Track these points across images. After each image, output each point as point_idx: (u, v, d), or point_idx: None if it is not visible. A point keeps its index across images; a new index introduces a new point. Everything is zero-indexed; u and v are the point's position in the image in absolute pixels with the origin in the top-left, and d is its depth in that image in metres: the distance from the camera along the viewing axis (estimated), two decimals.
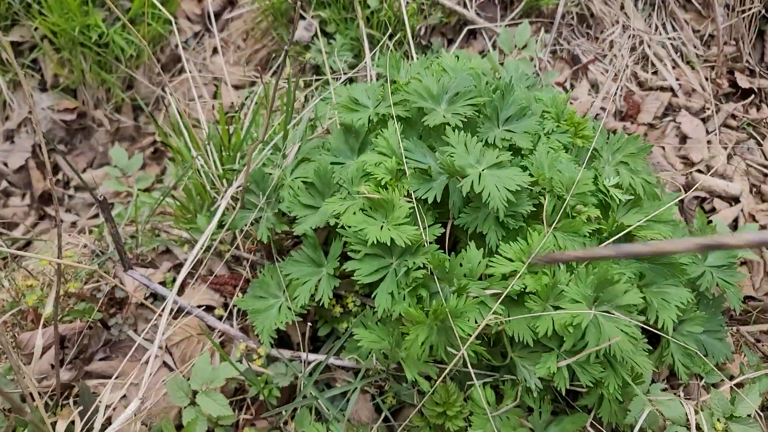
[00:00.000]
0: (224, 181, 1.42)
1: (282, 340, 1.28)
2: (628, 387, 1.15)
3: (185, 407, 1.11)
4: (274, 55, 2.35)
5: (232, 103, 2.37)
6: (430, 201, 1.13)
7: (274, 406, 1.18)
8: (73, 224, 2.13)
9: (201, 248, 1.20)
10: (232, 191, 1.24)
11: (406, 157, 1.17)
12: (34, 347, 1.22)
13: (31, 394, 1.13)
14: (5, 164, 2.16)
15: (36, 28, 2.15)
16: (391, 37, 2.03)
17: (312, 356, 1.23)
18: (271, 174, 1.27)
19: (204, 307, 1.30)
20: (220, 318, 1.26)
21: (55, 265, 1.34)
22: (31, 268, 1.44)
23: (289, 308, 1.21)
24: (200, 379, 1.13)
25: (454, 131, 1.16)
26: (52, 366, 1.20)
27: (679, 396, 1.28)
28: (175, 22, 2.51)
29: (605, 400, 1.16)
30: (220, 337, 1.26)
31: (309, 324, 1.25)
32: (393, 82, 1.39)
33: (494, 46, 2.11)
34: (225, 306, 1.31)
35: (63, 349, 1.22)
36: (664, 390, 1.25)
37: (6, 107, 2.20)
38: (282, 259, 1.30)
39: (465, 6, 2.10)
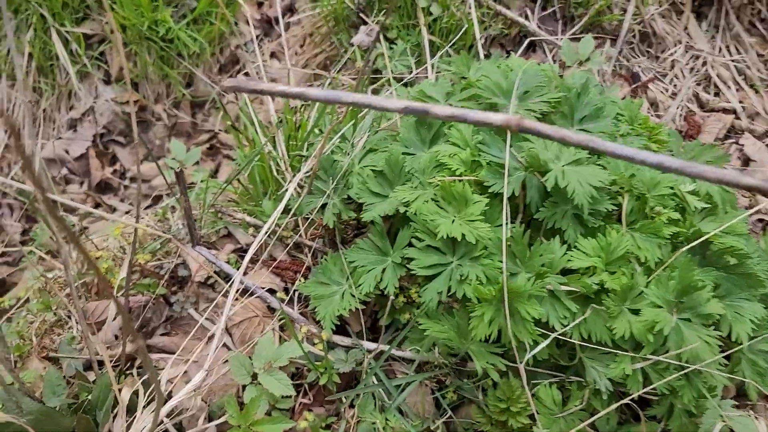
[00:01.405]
0: (290, 168, 1.42)
1: (341, 328, 1.27)
2: (701, 399, 1.11)
3: (247, 385, 1.10)
4: (332, 60, 2.38)
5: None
6: (507, 196, 1.11)
7: (333, 392, 1.17)
8: (128, 213, 2.16)
9: (268, 230, 1.20)
10: (300, 176, 1.25)
11: (480, 151, 1.17)
12: (98, 317, 1.23)
13: (99, 361, 1.14)
14: (66, 151, 2.21)
15: (106, 22, 2.21)
16: (452, 44, 2.04)
17: (372, 345, 1.21)
18: (339, 162, 1.27)
19: (265, 289, 1.29)
20: (281, 301, 1.25)
21: (125, 237, 1.36)
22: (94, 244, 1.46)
23: (353, 295, 1.20)
24: (263, 359, 1.13)
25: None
26: (116, 336, 1.21)
27: (750, 415, 1.23)
28: (236, 25, 2.57)
29: (676, 411, 1.12)
30: (280, 320, 1.25)
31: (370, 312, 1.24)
32: (463, 78, 1.40)
33: (554, 60, 2.11)
34: (286, 291, 1.31)
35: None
36: (735, 407, 1.20)
37: (72, 97, 2.26)
38: (344, 247, 1.30)
39: (527, 18, 2.10)
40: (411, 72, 1.98)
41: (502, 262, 1.05)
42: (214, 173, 2.25)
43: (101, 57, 2.28)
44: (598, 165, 1.16)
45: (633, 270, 1.09)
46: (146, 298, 1.25)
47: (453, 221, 1.09)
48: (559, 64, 2.08)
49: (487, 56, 2.15)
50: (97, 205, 2.19)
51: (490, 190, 1.13)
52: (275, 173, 1.39)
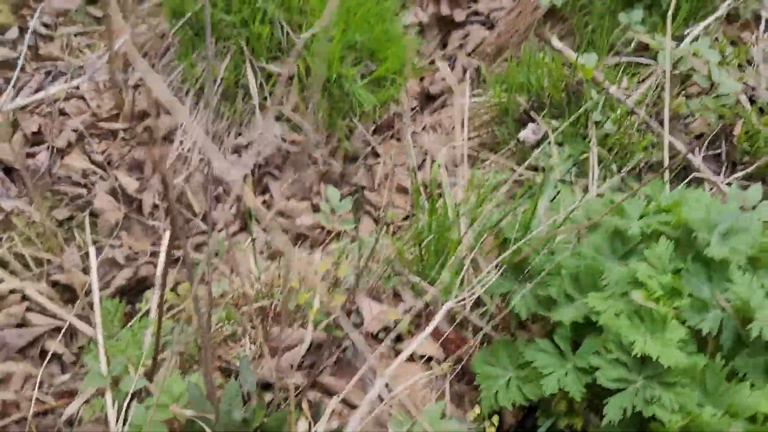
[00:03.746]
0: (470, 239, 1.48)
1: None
2: None
3: None
4: (485, 146, 2.48)
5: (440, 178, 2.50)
6: (704, 332, 1.13)
7: None
8: (267, 244, 2.27)
9: (448, 308, 1.25)
10: (494, 265, 1.30)
11: (682, 280, 1.19)
12: (280, 342, 1.29)
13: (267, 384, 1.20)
14: (227, 173, 2.37)
15: (296, 65, 2.40)
16: (617, 161, 2.10)
17: None
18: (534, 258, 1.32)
19: (426, 356, 1.33)
20: (444, 375, 1.29)
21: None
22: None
23: (519, 388, 1.22)
24: (427, 424, 1.15)
25: (739, 269, 1.18)
26: (291, 366, 1.27)
27: None
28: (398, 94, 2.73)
29: None
30: (439, 390, 1.28)
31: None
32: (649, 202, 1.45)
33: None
34: (446, 361, 1.35)
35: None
36: None
37: (244, 125, 2.43)
38: (512, 335, 1.33)
39: (692, 152, 2.14)
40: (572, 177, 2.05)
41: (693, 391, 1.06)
42: (356, 225, 2.34)
43: (281, 95, 2.46)
44: None
45: None
46: (321, 337, 1.31)
47: (647, 341, 1.11)
48: None
49: (668, 170, 2.20)
50: (241, 229, 2.32)
51: (687, 324, 1.15)
52: (456, 249, 1.46)
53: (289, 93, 2.45)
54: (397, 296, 1.48)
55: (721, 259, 1.21)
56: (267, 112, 2.44)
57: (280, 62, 2.44)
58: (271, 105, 2.43)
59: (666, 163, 1.77)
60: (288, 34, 2.42)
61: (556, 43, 2.26)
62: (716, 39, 2.39)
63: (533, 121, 2.23)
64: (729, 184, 2.14)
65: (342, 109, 2.42)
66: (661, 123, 2.24)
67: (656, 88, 2.25)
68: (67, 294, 2.06)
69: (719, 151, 2.20)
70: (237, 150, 2.45)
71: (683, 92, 2.26)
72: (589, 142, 2.06)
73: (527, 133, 2.19)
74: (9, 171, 2.17)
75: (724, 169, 2.19)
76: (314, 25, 2.36)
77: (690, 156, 2.10)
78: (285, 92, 2.49)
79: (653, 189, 1.45)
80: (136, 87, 2.49)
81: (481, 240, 1.38)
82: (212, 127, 2.42)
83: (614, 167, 2.09)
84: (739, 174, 2.13)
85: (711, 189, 2.15)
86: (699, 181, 2.18)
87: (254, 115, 2.45)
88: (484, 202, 1.54)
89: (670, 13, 2.16)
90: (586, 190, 2.05)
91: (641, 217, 1.38)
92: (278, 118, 2.48)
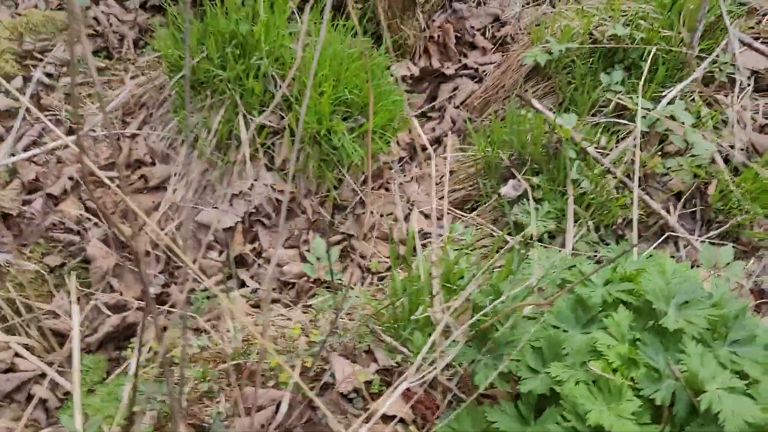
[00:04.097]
0: (442, 301, 1.54)
1: None
2: None
3: None
4: (470, 199, 2.55)
5: (421, 228, 2.57)
6: (657, 403, 1.18)
7: None
8: (254, 291, 2.33)
9: (416, 369, 1.30)
10: (460, 332, 1.36)
11: (639, 350, 1.25)
12: (252, 404, 1.34)
13: None
14: (219, 220, 2.43)
15: (284, 118, 2.49)
16: (593, 219, 2.17)
17: None
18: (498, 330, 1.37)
19: (397, 418, 1.38)
20: None
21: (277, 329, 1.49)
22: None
23: None
24: None
25: (692, 341, 1.23)
26: (262, 426, 1.31)
27: None
28: (388, 144, 2.81)
29: None
30: None
31: None
32: (614, 269, 1.50)
33: (686, 256, 2.19)
34: (414, 423, 1.39)
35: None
36: None
37: (235, 174, 2.51)
38: (478, 401, 1.37)
39: (668, 211, 2.21)
40: (551, 237, 2.11)
41: None
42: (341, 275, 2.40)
43: (272, 146, 2.54)
44: (746, 394, 1.21)
45: None
46: (291, 396, 1.36)
47: (602, 411, 1.16)
48: (692, 263, 2.15)
49: (622, 236, 2.26)
50: (229, 277, 2.37)
51: (641, 393, 1.19)
52: (429, 309, 1.51)
53: (281, 145, 2.53)
54: (370, 353, 1.53)
55: (675, 330, 1.26)
56: (258, 163, 2.51)
57: (272, 115, 2.53)
58: (262, 156, 2.51)
59: (635, 224, 1.83)
60: (280, 87, 2.51)
61: (536, 102, 2.34)
62: (693, 100, 2.48)
63: (515, 177, 2.31)
64: (704, 242, 2.21)
65: (331, 160, 2.50)
66: (639, 181, 2.32)
67: (634, 147, 2.33)
68: (58, 338, 2.11)
69: (695, 209, 2.27)
70: (230, 199, 2.52)
71: (660, 151, 2.34)
72: (566, 200, 2.13)
73: (508, 189, 2.26)
74: (5, 217, 2.24)
75: (699, 227, 2.26)
76: (305, 81, 2.46)
77: (665, 214, 2.17)
78: (278, 144, 2.58)
79: (617, 255, 1.51)
80: (133, 137, 2.58)
81: (453, 305, 1.44)
82: (205, 176, 2.50)
83: (591, 224, 2.15)
84: (713, 233, 2.20)
85: (686, 247, 2.21)
86: (676, 239, 2.24)
87: (246, 166, 2.52)
88: (458, 264, 1.60)
89: (643, 77, 2.25)
90: (563, 245, 2.11)
91: (606, 283, 1.44)
92: (270, 169, 2.55)
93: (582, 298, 1.38)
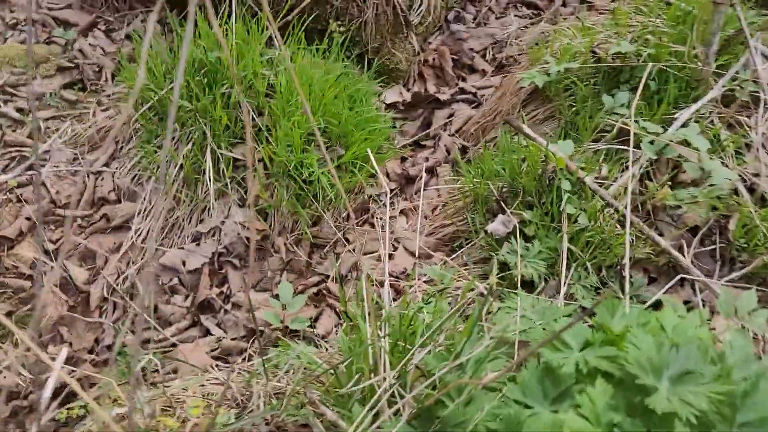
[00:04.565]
0: (389, 369, 1.30)
1: None
2: None
3: None
4: (460, 235, 2.30)
5: (405, 268, 2.33)
6: None
7: None
8: (219, 340, 2.12)
9: None
10: (408, 397, 1.11)
11: None
12: None
13: None
14: (184, 263, 2.24)
15: (257, 151, 2.30)
16: (593, 259, 1.90)
17: None
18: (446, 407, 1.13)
19: None
20: None
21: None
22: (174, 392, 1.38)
23: None
24: None
25: (686, 426, 0.96)
26: None
27: None
28: (374, 175, 2.59)
29: None
30: None
31: None
32: (603, 331, 1.24)
33: (704, 302, 1.90)
34: None
35: None
36: None
37: (205, 212, 2.33)
38: None
39: (680, 250, 1.93)
40: (543, 280, 1.85)
41: None
42: (314, 321, 2.18)
43: (243, 181, 2.36)
44: None
45: None
46: None
47: None
48: (710, 309, 1.86)
49: (627, 280, 1.98)
50: (194, 324, 2.17)
51: None
52: (372, 376, 1.27)
53: (254, 179, 2.34)
54: (306, 426, 1.30)
55: (666, 413, 0.99)
56: (228, 199, 2.33)
57: (242, 147, 2.34)
58: (232, 191, 2.33)
59: (627, 266, 1.56)
60: (253, 118, 2.33)
61: (526, 128, 2.10)
62: (711, 123, 2.20)
63: (504, 212, 2.06)
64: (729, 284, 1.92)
65: (305, 196, 2.30)
66: (648, 214, 2.05)
67: (641, 177, 2.07)
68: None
69: (714, 246, 1.98)
70: (198, 238, 2.34)
71: (671, 180, 2.06)
72: (560, 238, 1.87)
73: (496, 225, 2.01)
74: None
75: (719, 267, 1.97)
76: (277, 111, 2.28)
77: (676, 253, 1.89)
78: (251, 178, 2.39)
79: (602, 315, 1.25)
80: (98, 173, 2.42)
81: (403, 371, 1.20)
82: (172, 214, 2.32)
83: (589, 266, 1.88)
84: (736, 274, 1.90)
85: (702, 291, 1.92)
86: (693, 282, 1.96)
87: (216, 202, 2.34)
88: (414, 321, 1.36)
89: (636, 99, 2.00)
90: (557, 292, 1.84)
91: (585, 346, 1.18)
92: (241, 206, 2.36)
93: (551, 366, 1.12)
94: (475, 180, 2.18)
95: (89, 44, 3.08)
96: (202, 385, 1.43)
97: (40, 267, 2.13)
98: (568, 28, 2.64)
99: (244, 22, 2.41)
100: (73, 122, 2.55)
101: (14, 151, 2.42)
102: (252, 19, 2.46)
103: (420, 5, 3.01)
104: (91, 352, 2.04)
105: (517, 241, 1.89)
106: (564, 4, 3.29)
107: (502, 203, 2.07)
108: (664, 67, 2.23)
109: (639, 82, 2.29)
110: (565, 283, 1.76)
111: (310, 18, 2.65)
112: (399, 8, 2.85)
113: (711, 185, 1.97)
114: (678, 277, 1.84)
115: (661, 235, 1.99)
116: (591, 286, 1.87)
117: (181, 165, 2.28)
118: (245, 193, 2.34)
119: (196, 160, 2.29)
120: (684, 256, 1.90)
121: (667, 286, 1.82)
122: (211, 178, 2.24)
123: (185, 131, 2.31)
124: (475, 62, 3.12)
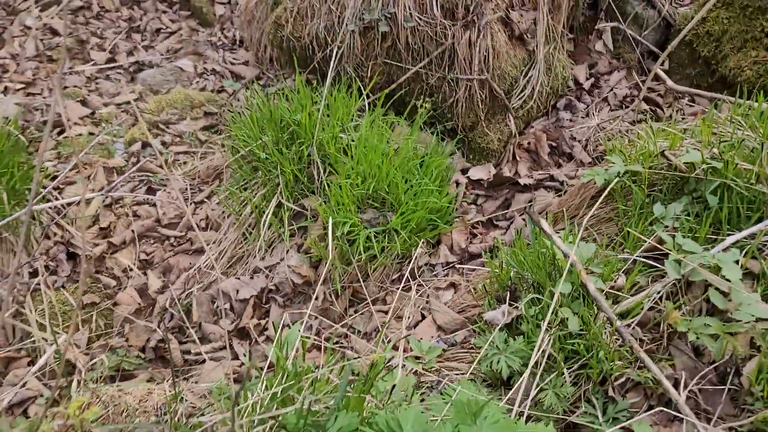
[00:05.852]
0: None
1: None
2: None
3: None
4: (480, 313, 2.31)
5: (421, 339, 2.39)
6: None
7: None
8: (241, 365, 2.38)
9: None
10: None
11: None
12: None
13: None
14: (237, 291, 2.57)
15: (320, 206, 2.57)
16: (580, 369, 1.81)
17: None
18: None
19: None
20: None
21: None
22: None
23: None
24: None
25: None
26: None
27: None
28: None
29: None
30: None
31: None
32: None
33: None
34: None
35: None
36: None
37: (265, 251, 2.64)
38: None
39: (676, 384, 1.74)
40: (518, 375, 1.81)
41: None
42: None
43: (303, 228, 2.63)
44: None
45: None
46: None
47: None
48: None
49: (612, 401, 1.83)
50: (228, 346, 2.47)
51: None
52: None
53: (311, 230, 2.60)
54: None
55: None
56: (288, 244, 2.61)
57: (308, 199, 2.63)
58: (297, 236, 2.61)
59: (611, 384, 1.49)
60: (320, 174, 2.61)
61: (544, 224, 2.08)
62: (763, 252, 1.96)
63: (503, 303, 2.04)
64: None
65: (350, 255, 2.49)
66: (664, 338, 1.90)
67: (660, 297, 1.92)
68: (69, 367, 2.40)
69: (725, 387, 1.75)
70: (256, 272, 2.65)
71: (701, 306, 1.88)
72: (542, 343, 1.82)
73: (495, 315, 2.01)
74: (72, 255, 2.66)
75: (719, 410, 1.73)
76: (341, 173, 2.53)
77: (672, 391, 1.71)
78: (310, 229, 2.66)
79: None
80: (200, 203, 2.88)
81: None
82: (240, 248, 2.68)
83: (566, 373, 1.80)
84: (740, 422, 1.67)
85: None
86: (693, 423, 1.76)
87: (280, 244, 2.64)
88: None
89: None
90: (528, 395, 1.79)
91: None
92: (298, 250, 2.64)
93: None
94: (496, 268, 2.19)
95: (243, 95, 3.66)
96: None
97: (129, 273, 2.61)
98: (660, 129, 2.52)
99: (338, 90, 2.73)
100: (196, 158, 3.07)
101: (143, 176, 3.00)
102: (347, 89, 2.78)
103: (522, 90, 3.08)
104: (142, 350, 2.44)
105: (498, 333, 1.87)
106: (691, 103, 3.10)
107: (510, 293, 2.06)
108: (731, 185, 2.05)
109: (702, 195, 2.14)
110: (526, 385, 1.72)
111: (404, 90, 2.90)
112: (495, 91, 2.95)
113: (736, 320, 1.76)
114: (657, 408, 1.68)
115: (671, 361, 1.82)
116: (566, 395, 1.78)
117: (256, 206, 2.63)
118: (304, 240, 2.62)
119: (268, 205, 2.62)
120: (679, 392, 1.71)
121: (637, 416, 1.67)
122: (281, 223, 2.55)
123: (264, 178, 2.67)
124: (574, 151, 3.08)
